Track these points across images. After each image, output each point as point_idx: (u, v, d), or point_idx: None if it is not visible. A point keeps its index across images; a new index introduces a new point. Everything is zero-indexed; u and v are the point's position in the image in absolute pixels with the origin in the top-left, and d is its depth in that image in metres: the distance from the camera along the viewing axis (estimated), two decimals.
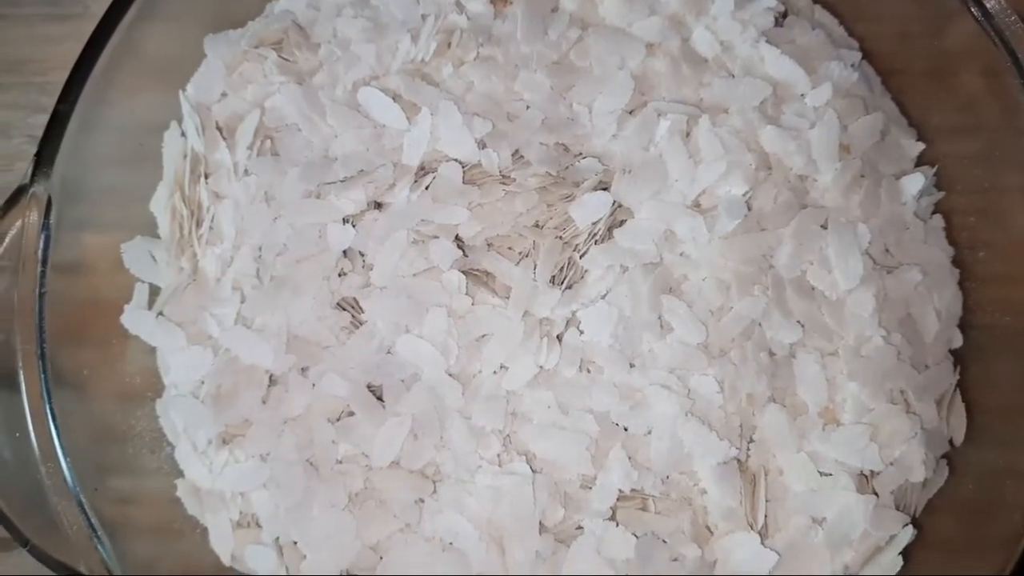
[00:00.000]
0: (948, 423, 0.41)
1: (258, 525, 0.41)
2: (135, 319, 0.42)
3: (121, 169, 0.43)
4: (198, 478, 0.41)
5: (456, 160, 0.42)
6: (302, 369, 0.41)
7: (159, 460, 0.42)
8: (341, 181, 0.42)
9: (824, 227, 0.41)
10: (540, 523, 0.39)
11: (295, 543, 0.40)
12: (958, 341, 0.42)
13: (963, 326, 0.43)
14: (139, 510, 0.41)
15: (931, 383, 0.41)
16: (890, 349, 0.40)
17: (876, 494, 0.39)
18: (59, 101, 0.38)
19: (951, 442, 0.41)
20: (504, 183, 0.42)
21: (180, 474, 0.42)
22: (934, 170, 0.44)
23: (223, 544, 0.41)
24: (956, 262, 0.43)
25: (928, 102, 0.44)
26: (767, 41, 0.43)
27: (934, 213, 0.44)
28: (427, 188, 0.42)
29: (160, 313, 0.42)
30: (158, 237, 0.44)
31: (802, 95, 0.43)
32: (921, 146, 0.44)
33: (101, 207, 0.42)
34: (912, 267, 0.42)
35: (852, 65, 0.44)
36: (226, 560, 0.41)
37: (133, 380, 0.43)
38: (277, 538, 0.40)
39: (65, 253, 0.39)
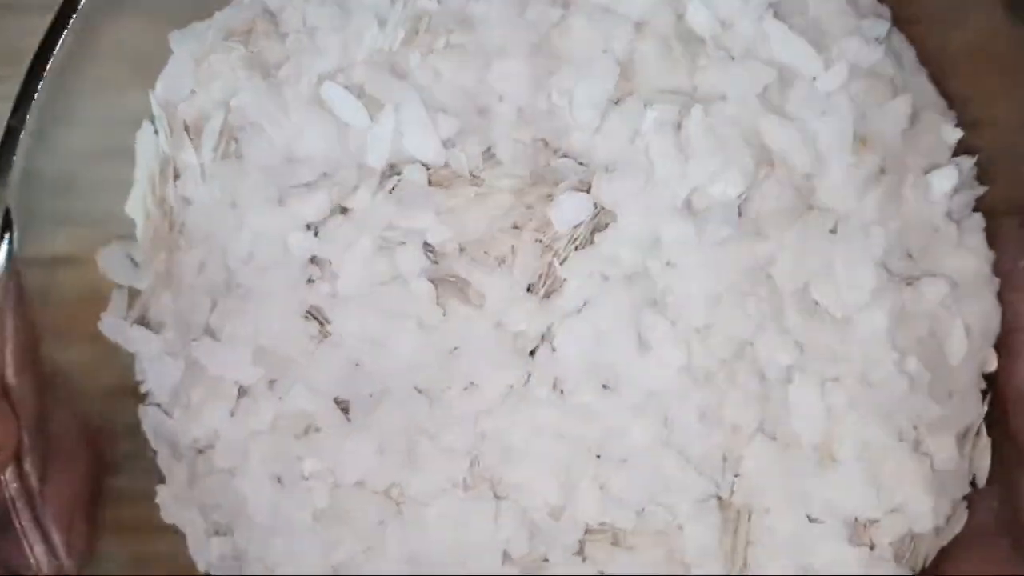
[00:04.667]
0: (971, 461, 0.36)
1: (231, 534, 0.41)
2: (113, 326, 0.42)
3: (103, 163, 0.42)
4: (176, 485, 0.41)
5: (421, 161, 0.39)
6: (270, 381, 0.40)
7: (144, 462, 0.43)
8: (304, 185, 0.40)
9: (833, 232, 0.36)
10: (504, 552, 0.37)
11: (261, 559, 0.40)
12: (993, 363, 0.37)
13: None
14: (125, 510, 0.42)
15: (953, 415, 0.36)
16: (903, 375, 0.35)
17: (872, 544, 0.35)
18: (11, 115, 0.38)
19: (973, 482, 0.36)
20: (475, 184, 0.39)
21: (163, 479, 0.42)
22: (974, 160, 0.37)
23: (199, 552, 0.41)
24: (997, 269, 0.37)
25: (974, 79, 0.38)
26: (775, 15, 0.37)
27: (975, 211, 0.38)
28: (391, 191, 0.39)
29: (137, 320, 0.42)
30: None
31: (813, 78, 0.37)
32: (959, 133, 0.38)
33: (84, 201, 0.42)
34: (939, 278, 0.36)
35: (876, 39, 0.38)
36: (201, 568, 0.41)
37: (120, 379, 0.43)
38: (246, 551, 0.40)
39: (48, 247, 0.39)
